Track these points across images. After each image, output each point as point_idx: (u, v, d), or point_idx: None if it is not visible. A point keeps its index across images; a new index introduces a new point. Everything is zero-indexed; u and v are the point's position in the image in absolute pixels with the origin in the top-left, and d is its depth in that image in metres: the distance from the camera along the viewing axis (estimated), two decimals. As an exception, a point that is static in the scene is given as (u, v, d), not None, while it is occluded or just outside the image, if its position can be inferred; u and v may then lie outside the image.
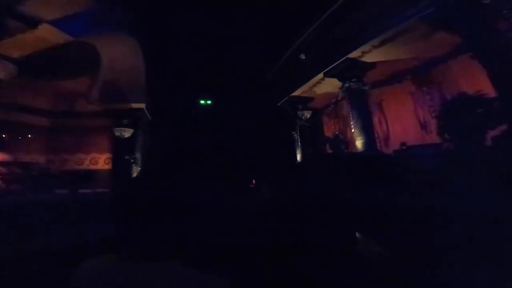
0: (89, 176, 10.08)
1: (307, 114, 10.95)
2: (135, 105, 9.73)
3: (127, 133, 9.46)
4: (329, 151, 9.03)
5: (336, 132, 8.92)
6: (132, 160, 9.34)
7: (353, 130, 7.98)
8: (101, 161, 10.83)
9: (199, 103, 16.94)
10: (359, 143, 7.76)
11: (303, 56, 11.48)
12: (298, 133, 10.81)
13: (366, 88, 8.52)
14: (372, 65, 9.16)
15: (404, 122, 9.86)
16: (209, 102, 17.01)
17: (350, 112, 8.27)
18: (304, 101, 12.08)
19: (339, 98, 9.56)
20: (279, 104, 12.52)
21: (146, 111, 10.32)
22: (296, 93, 11.99)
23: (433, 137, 8.64)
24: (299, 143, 10.65)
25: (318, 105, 12.83)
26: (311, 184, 7.42)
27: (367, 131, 7.88)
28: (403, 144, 7.37)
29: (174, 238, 0.90)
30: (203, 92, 16.20)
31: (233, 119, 15.76)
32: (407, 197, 4.48)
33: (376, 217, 4.04)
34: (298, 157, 10.56)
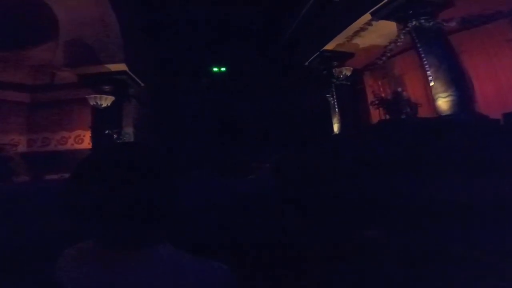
0: (64, 158, 8.13)
1: (347, 72, 7.93)
2: (113, 67, 7.34)
3: (105, 101, 7.18)
4: (384, 117, 6.11)
5: (398, 89, 5.93)
6: (114, 136, 7.15)
7: (432, 84, 5.00)
8: (87, 139, 8.82)
9: (212, 70, 14.40)
10: (443, 103, 4.81)
11: (338, -4, 8.37)
12: (335, 97, 7.86)
13: (453, 23, 5.40)
14: (448, 1, 6.07)
15: (502, 79, 6.63)
16: (223, 69, 14.41)
17: (425, 60, 5.24)
18: (341, 57, 8.99)
19: (398, 43, 6.46)
20: (307, 64, 9.56)
21: (132, 74, 7.95)
22: (330, 46, 8.95)
23: None
24: (337, 109, 7.70)
25: (360, 63, 9.72)
26: (361, 166, 4.81)
27: (458, 83, 4.88)
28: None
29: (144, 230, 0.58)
30: (213, 56, 13.58)
31: (251, 87, 13.16)
32: None
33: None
34: (336, 127, 7.67)
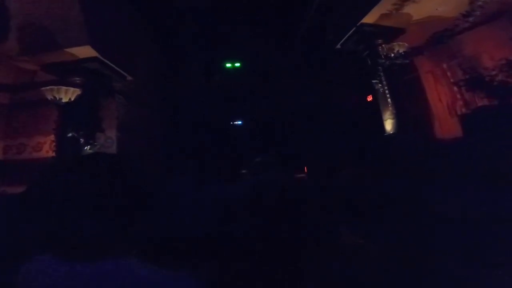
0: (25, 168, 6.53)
1: (400, 48, 5.49)
2: (78, 52, 5.56)
3: (65, 95, 5.42)
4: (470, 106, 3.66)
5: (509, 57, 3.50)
6: (81, 140, 5.37)
7: None
8: (64, 146, 7.26)
9: (224, 66, 12.52)
10: None
11: None
12: (384, 83, 5.40)
13: None
14: None
15: None
16: (237, 65, 12.48)
17: None
18: (386, 34, 6.55)
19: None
20: (339, 46, 7.22)
21: (110, 63, 6.17)
22: (371, 19, 6.56)
23: None
24: (389, 100, 5.18)
25: (412, 43, 7.17)
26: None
27: None
28: None
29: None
30: (226, 49, 11.71)
31: (270, 84, 11.14)
32: None
33: None
34: (389, 124, 5.12)
